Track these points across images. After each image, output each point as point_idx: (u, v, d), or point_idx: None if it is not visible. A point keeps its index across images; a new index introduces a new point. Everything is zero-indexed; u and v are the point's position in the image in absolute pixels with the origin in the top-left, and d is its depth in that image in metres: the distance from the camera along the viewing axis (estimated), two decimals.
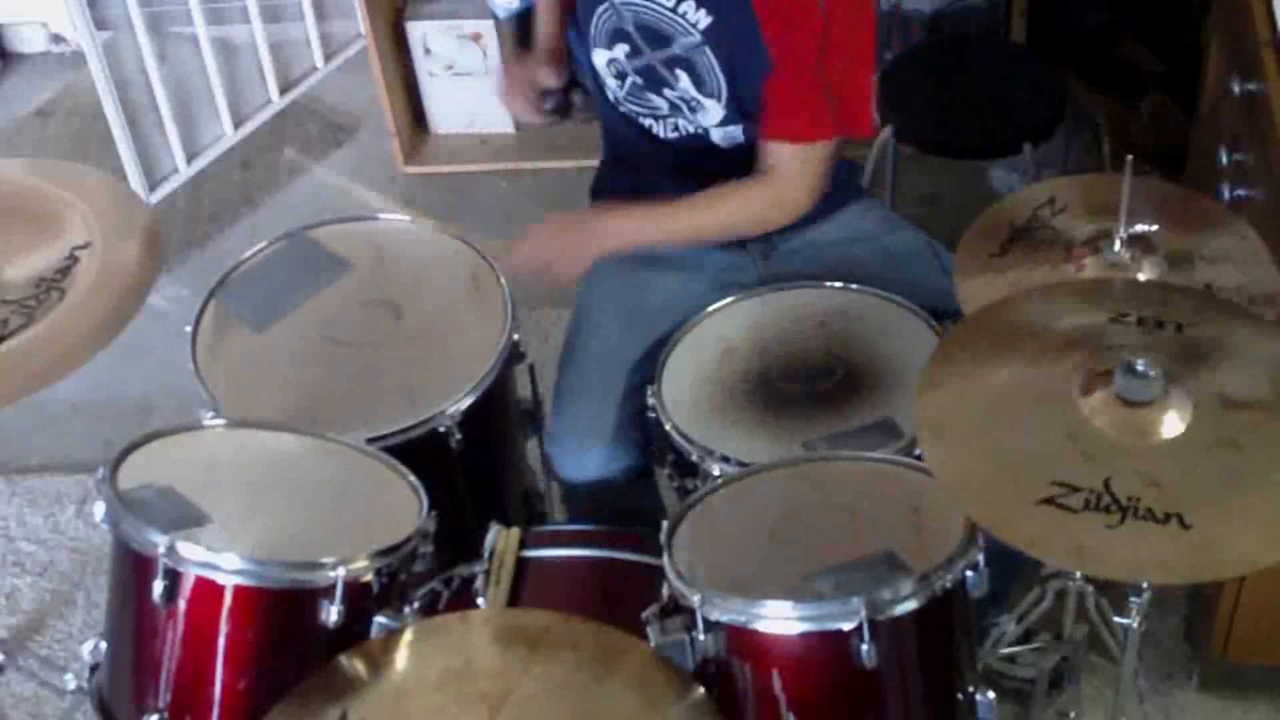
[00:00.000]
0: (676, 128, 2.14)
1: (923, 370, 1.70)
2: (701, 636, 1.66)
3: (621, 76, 2.10)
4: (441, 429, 1.97)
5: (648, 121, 2.15)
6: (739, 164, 2.10)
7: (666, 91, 2.08)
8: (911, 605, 1.64)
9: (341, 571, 1.72)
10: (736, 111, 2.07)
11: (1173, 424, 1.59)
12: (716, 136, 2.12)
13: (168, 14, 3.49)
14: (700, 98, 2.06)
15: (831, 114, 2.00)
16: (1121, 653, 2.04)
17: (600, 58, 2.10)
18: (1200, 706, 2.34)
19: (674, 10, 2.00)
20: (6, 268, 1.89)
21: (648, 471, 2.15)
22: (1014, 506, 1.54)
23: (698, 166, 2.13)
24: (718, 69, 2.03)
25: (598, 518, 2.05)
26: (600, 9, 2.04)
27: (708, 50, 2.01)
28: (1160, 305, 1.72)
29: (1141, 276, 1.83)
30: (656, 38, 2.03)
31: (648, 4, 2.00)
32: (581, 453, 2.07)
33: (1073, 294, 1.78)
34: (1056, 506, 1.52)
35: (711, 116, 2.09)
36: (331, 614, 1.71)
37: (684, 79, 2.05)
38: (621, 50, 2.06)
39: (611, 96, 2.16)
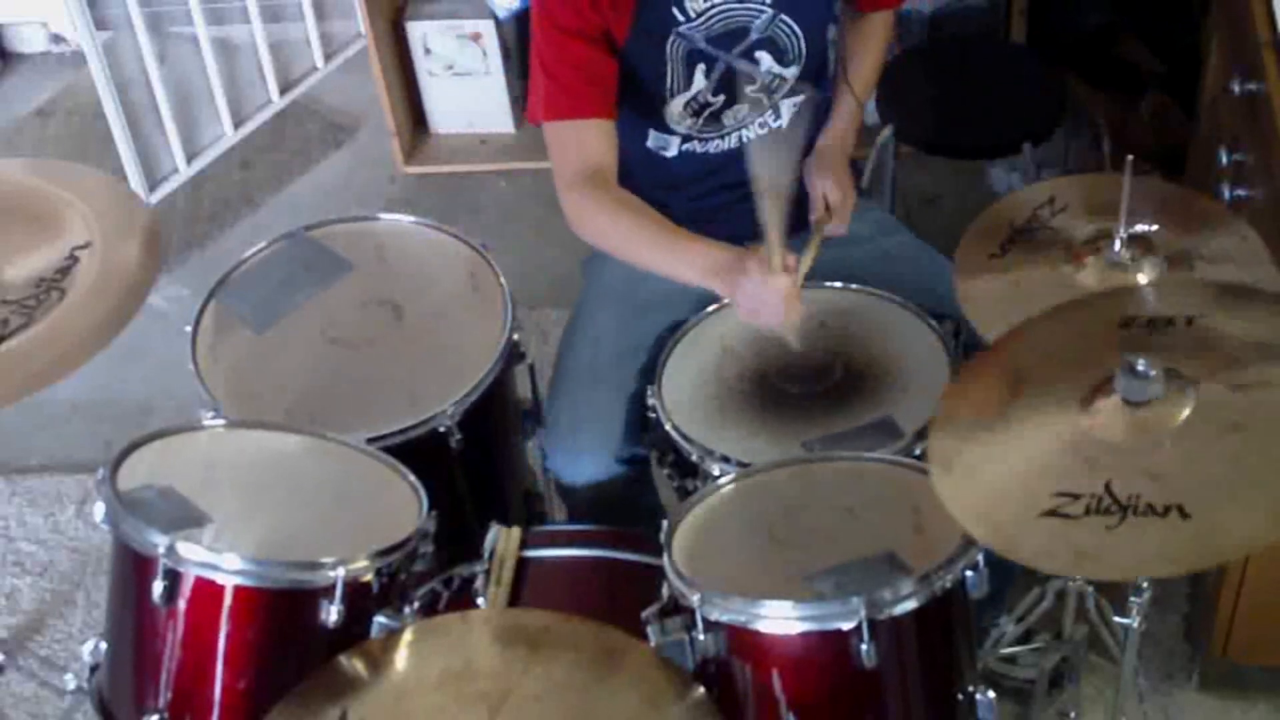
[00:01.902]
0: (740, 138, 2.14)
1: (937, 404, 1.72)
2: (701, 636, 1.66)
3: (698, 112, 2.08)
4: (441, 429, 1.97)
5: (711, 145, 2.14)
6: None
7: (749, 89, 2.07)
8: (911, 605, 1.64)
9: (341, 571, 1.72)
10: (809, 68, 2.09)
11: (1176, 419, 1.58)
12: (785, 112, 2.13)
13: (168, 14, 3.49)
14: (783, 70, 2.07)
15: None
16: (1121, 653, 2.04)
17: (678, 104, 2.07)
18: (1200, 706, 2.34)
19: (740, 1, 2.00)
20: (6, 268, 1.89)
21: (643, 473, 2.14)
22: (1017, 523, 1.54)
23: (748, 174, 2.15)
24: (796, 28, 2.04)
25: (593, 519, 2.05)
26: (669, 46, 2.01)
27: (783, 15, 2.02)
28: (1169, 302, 1.71)
29: (1141, 277, 1.83)
30: (731, 38, 2.02)
31: (714, 10, 1.99)
32: (576, 454, 2.07)
33: (1082, 310, 1.78)
34: (1059, 517, 1.52)
35: (786, 87, 2.10)
36: (331, 614, 1.71)
37: (766, 59, 2.05)
38: (700, 72, 2.04)
39: (674, 147, 2.13)
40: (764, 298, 1.88)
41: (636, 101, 2.05)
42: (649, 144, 2.13)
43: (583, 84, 1.99)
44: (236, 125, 3.46)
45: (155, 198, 3.31)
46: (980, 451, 1.63)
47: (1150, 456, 1.55)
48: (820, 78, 2.17)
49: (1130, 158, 1.78)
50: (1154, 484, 1.52)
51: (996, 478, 1.60)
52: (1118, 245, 1.83)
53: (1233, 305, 1.71)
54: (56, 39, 3.87)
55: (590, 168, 2.00)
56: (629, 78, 2.02)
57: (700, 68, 2.03)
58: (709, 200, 2.17)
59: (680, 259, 1.97)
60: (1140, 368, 1.57)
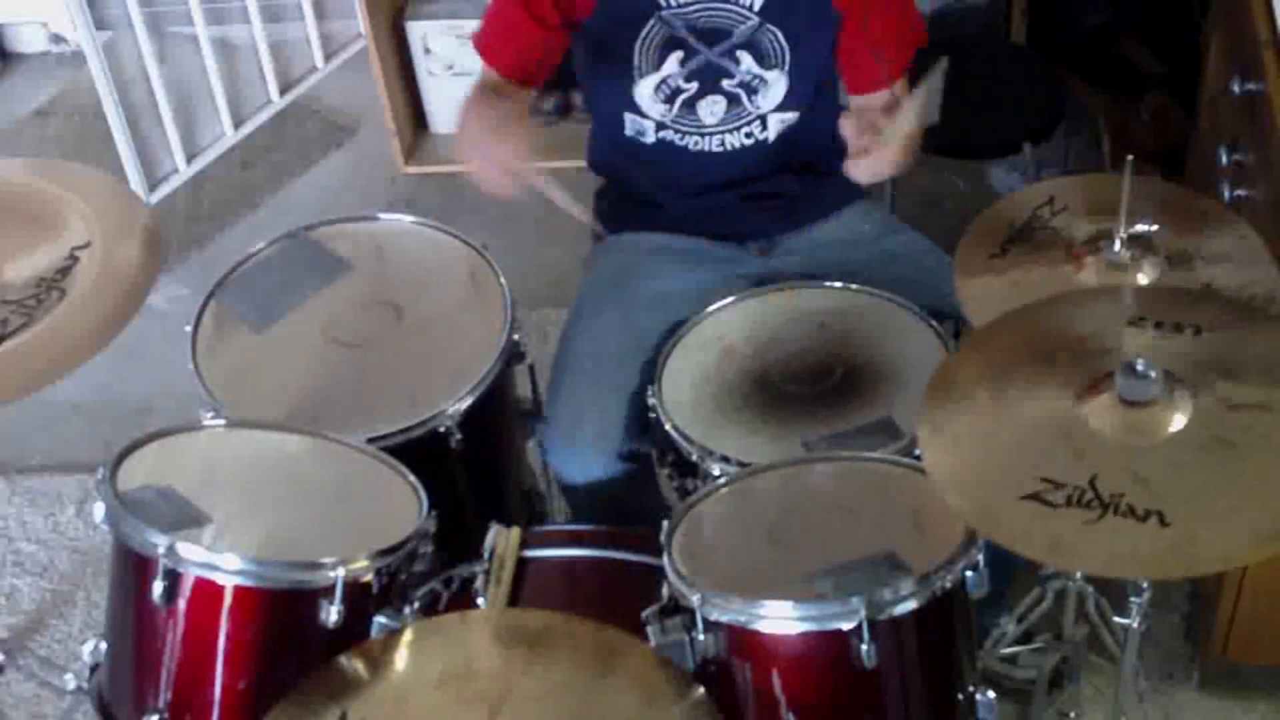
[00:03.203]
0: (723, 143, 2.13)
1: (934, 371, 1.71)
2: (701, 636, 1.66)
3: (671, 99, 2.08)
4: (441, 429, 1.97)
5: (689, 141, 2.14)
6: (781, 160, 2.13)
7: (725, 83, 2.07)
8: (911, 605, 1.64)
9: (341, 571, 1.72)
10: (799, 79, 2.08)
11: (1171, 424, 1.58)
12: (772, 126, 2.12)
13: (168, 14, 3.49)
14: (763, 73, 2.07)
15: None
16: (1121, 653, 2.04)
17: (647, 86, 2.07)
18: (1200, 706, 2.34)
19: (727, 1, 2.00)
20: (6, 268, 1.88)
21: (646, 470, 2.14)
22: (998, 502, 1.55)
23: (740, 178, 2.16)
24: (781, 38, 2.04)
25: (596, 517, 2.05)
26: (646, 30, 2.02)
27: (769, 26, 2.02)
28: (1180, 309, 1.71)
29: (1141, 277, 1.83)
30: (713, 34, 2.03)
31: (697, 2, 2.00)
32: (576, 452, 2.07)
33: (1090, 299, 1.78)
34: (1039, 502, 1.53)
35: (774, 94, 2.09)
36: (331, 614, 1.71)
37: (746, 59, 2.05)
38: (675, 59, 2.04)
39: (651, 133, 2.13)
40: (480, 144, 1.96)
41: (607, 80, 2.07)
42: (627, 131, 2.14)
43: (507, 43, 2.08)
44: (236, 125, 3.46)
45: (155, 198, 3.31)
46: (972, 420, 1.63)
47: (1139, 458, 1.56)
48: (815, 100, 2.14)
49: (1130, 158, 1.78)
50: (1138, 486, 1.52)
51: (984, 450, 1.60)
52: (1118, 245, 1.83)
53: (1243, 324, 1.71)
54: (56, 39, 3.87)
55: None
56: (595, 53, 2.04)
57: (676, 55, 2.03)
58: (700, 201, 2.17)
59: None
60: (1140, 368, 1.58)
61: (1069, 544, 1.50)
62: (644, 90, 2.08)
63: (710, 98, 2.08)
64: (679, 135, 2.13)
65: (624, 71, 2.06)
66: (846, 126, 1.99)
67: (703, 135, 2.12)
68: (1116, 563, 1.52)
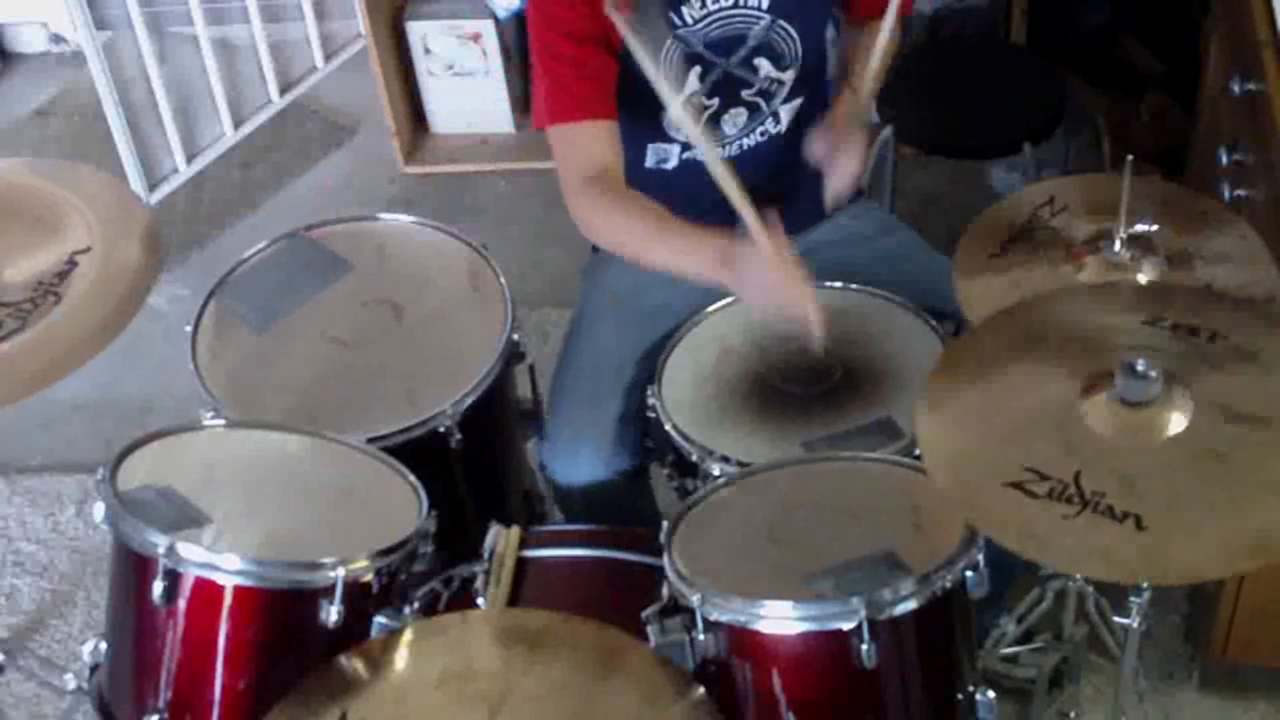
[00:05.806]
0: (742, 146, 2.13)
1: (944, 352, 1.72)
2: (701, 636, 1.66)
3: (695, 118, 2.07)
4: (441, 429, 1.97)
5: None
6: (794, 149, 2.12)
7: (745, 93, 2.06)
8: (911, 605, 1.64)
9: (341, 571, 1.72)
10: (807, 64, 2.08)
11: (1167, 429, 1.58)
12: (784, 117, 2.12)
13: (168, 14, 3.49)
14: (780, 75, 2.06)
15: None
16: (1121, 653, 2.04)
17: (675, 108, 2.05)
18: (1200, 706, 2.34)
19: (736, 6, 1.99)
20: (6, 270, 1.88)
21: (641, 474, 2.14)
22: (981, 486, 1.55)
23: (753, 181, 2.14)
24: (793, 32, 2.03)
25: (589, 521, 2.05)
26: (665, 51, 1.98)
27: (779, 23, 2.01)
28: (1200, 313, 1.71)
29: (1141, 277, 1.83)
30: (729, 44, 2.01)
31: (710, 17, 1.99)
32: (574, 455, 2.07)
33: (1115, 296, 1.78)
34: (1021, 491, 1.53)
35: (784, 90, 2.09)
36: (331, 614, 1.71)
37: (764, 65, 2.04)
38: (695, 75, 2.02)
39: (675, 158, 2.12)
40: (764, 280, 1.81)
41: (636, 111, 2.04)
42: (648, 163, 2.12)
43: (583, 85, 1.98)
44: (236, 125, 3.47)
45: (155, 198, 3.31)
46: (971, 401, 1.64)
47: (1128, 460, 1.55)
48: (818, 80, 2.16)
49: (1130, 158, 1.78)
50: (1122, 488, 1.52)
51: (977, 433, 1.61)
52: (1118, 245, 1.83)
53: (1262, 332, 1.70)
54: (56, 39, 3.87)
55: (595, 170, 1.98)
56: (627, 85, 2.01)
57: (695, 70, 2.03)
58: (715, 216, 2.16)
59: (686, 256, 1.91)
60: (1140, 368, 1.57)
61: (1041, 536, 1.50)
62: (674, 111, 2.06)
63: (733, 110, 2.08)
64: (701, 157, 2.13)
65: (654, 99, 2.05)
66: (817, 146, 2.02)
67: (724, 146, 2.12)
68: (1085, 561, 1.52)
